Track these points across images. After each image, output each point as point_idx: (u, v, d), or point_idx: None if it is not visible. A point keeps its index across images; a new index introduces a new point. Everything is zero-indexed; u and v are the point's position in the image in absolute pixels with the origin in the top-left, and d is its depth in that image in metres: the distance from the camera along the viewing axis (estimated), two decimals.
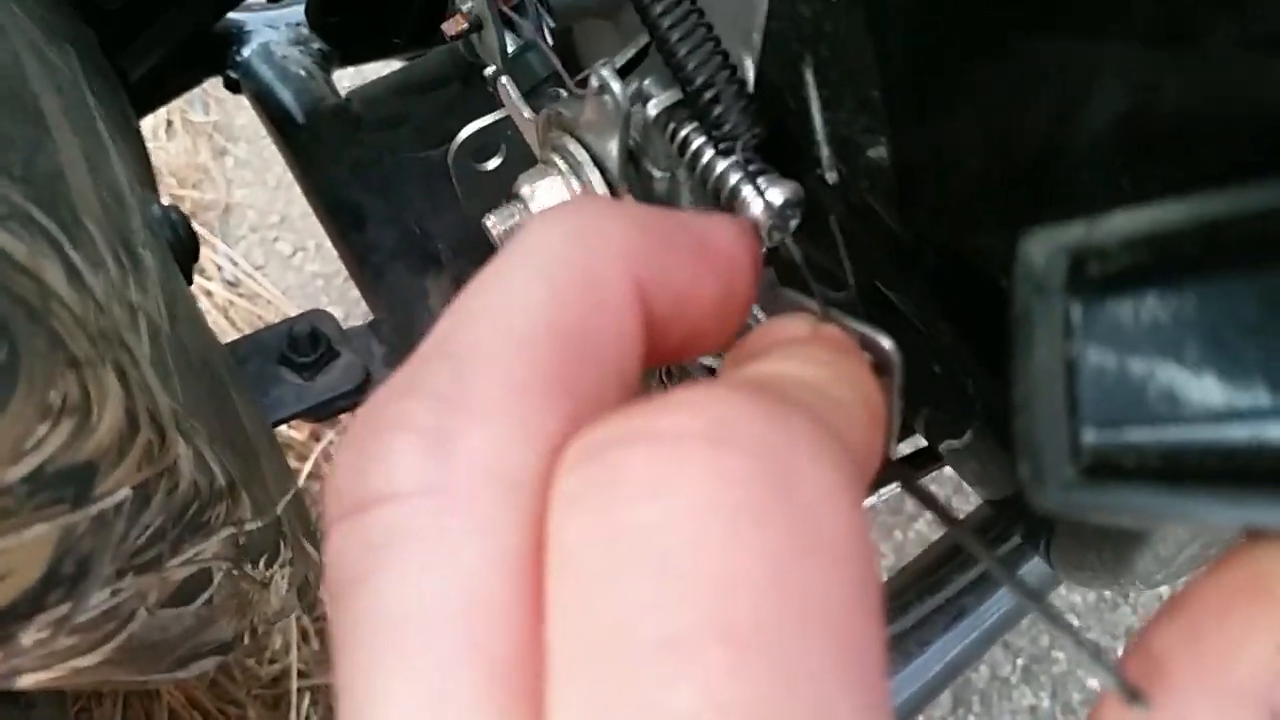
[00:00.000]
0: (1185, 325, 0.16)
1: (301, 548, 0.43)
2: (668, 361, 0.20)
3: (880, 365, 0.21)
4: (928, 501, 0.22)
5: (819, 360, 0.20)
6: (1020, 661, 1.02)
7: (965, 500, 1.10)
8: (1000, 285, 0.27)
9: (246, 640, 0.40)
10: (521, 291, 0.16)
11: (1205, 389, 0.15)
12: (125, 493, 0.33)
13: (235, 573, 0.38)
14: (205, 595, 0.37)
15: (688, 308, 0.18)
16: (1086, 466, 0.17)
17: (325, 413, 0.64)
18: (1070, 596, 1.03)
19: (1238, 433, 0.15)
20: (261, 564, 0.40)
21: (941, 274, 0.31)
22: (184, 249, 0.54)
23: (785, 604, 0.13)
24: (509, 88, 0.44)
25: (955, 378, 0.34)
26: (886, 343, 0.21)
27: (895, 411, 0.21)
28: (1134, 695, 0.15)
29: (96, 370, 0.33)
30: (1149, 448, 0.16)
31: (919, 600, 0.47)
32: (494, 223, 0.40)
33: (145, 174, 0.62)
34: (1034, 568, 0.53)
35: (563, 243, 0.17)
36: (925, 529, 1.09)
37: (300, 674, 0.96)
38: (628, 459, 0.14)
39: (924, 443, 0.45)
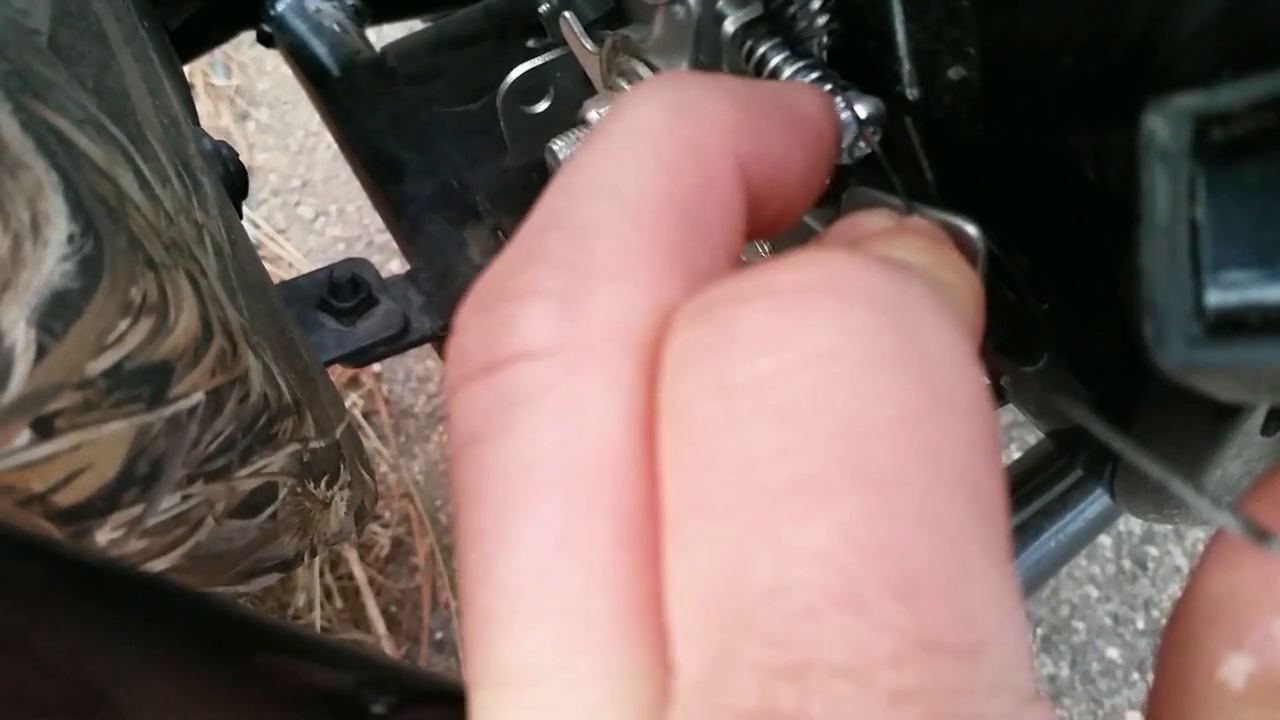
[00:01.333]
0: None
1: (359, 473, 0.43)
2: (761, 236, 0.20)
3: (965, 252, 0.21)
4: (1027, 383, 0.22)
5: (917, 248, 0.20)
6: (1040, 631, 1.02)
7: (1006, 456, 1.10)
8: (1089, 184, 0.27)
9: (306, 559, 0.40)
10: (633, 165, 0.16)
11: None
12: (199, 397, 0.33)
13: (299, 490, 0.38)
14: (270, 509, 0.37)
15: (782, 181, 0.18)
16: (1210, 325, 0.17)
17: (365, 358, 0.64)
18: (1090, 568, 1.03)
19: None
20: (323, 484, 0.40)
21: (1021, 189, 0.31)
22: (233, 185, 0.54)
23: (917, 449, 0.13)
24: (572, 21, 0.44)
25: (1027, 303, 0.34)
26: (971, 229, 0.21)
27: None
28: (1262, 536, 0.15)
29: (172, 274, 0.33)
30: (1272, 305, 0.16)
31: None
32: (560, 147, 0.40)
33: (192, 113, 0.62)
34: (1093, 503, 0.53)
35: (665, 117, 0.17)
36: None
37: (324, 631, 0.96)
38: (743, 314, 0.14)
39: None
